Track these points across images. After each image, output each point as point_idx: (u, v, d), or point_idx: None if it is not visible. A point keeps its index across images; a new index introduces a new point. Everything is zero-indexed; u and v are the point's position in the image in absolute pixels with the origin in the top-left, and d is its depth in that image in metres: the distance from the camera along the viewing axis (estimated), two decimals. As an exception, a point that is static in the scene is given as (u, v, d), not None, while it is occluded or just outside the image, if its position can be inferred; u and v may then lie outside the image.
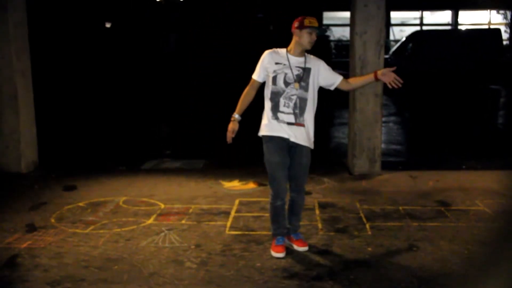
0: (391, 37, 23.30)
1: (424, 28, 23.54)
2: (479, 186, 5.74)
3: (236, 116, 3.93)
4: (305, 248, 4.03)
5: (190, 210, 5.03)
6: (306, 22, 3.83)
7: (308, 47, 3.87)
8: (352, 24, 6.32)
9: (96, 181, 6.09)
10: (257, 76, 3.95)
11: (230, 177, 6.19)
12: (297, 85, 3.81)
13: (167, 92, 12.42)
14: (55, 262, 3.86)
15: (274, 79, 3.83)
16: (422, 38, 17.25)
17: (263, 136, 3.92)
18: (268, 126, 3.87)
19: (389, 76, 3.87)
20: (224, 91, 10.63)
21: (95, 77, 12.21)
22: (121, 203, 5.26)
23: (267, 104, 3.89)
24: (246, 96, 3.95)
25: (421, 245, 4.11)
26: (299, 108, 3.83)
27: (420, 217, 4.78)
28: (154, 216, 4.87)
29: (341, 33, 22.75)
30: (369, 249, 4.08)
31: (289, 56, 3.88)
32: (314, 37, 3.86)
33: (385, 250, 4.04)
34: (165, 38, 13.69)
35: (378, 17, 6.11)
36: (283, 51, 3.92)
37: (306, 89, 3.85)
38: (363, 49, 6.14)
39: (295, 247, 4.05)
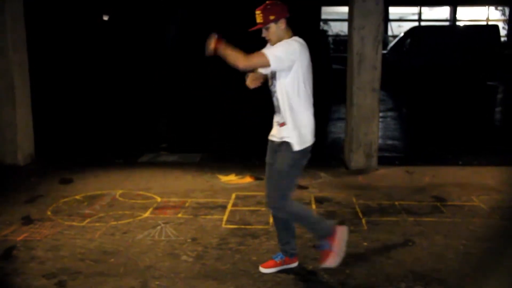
0: (389, 33, 23.28)
1: (423, 23, 23.52)
2: (475, 182, 5.75)
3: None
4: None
5: (187, 204, 5.03)
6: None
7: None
8: (350, 19, 6.31)
9: (93, 174, 6.08)
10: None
11: (227, 171, 6.19)
12: (270, 81, 3.45)
13: (164, 86, 12.40)
14: (51, 255, 3.86)
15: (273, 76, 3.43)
16: (420, 33, 17.21)
17: None
18: None
19: None
20: (222, 84, 10.64)
21: (93, 70, 12.19)
22: (117, 196, 5.26)
23: None
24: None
25: (417, 240, 4.12)
26: (277, 106, 3.43)
27: (416, 212, 4.79)
28: (151, 209, 4.87)
29: (339, 28, 22.76)
30: (365, 243, 4.09)
31: None
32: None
33: (381, 245, 4.06)
34: (165, 31, 13.66)
35: (377, 12, 6.10)
36: None
37: (275, 84, 3.42)
38: (361, 44, 6.13)
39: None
